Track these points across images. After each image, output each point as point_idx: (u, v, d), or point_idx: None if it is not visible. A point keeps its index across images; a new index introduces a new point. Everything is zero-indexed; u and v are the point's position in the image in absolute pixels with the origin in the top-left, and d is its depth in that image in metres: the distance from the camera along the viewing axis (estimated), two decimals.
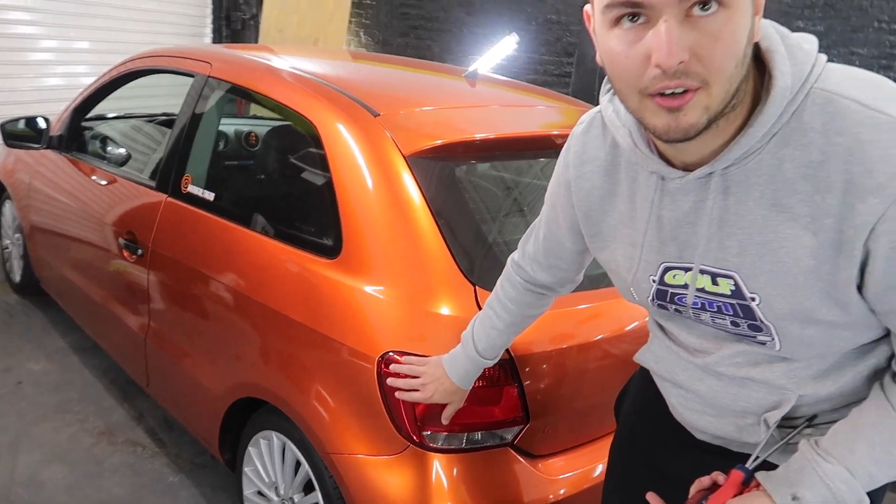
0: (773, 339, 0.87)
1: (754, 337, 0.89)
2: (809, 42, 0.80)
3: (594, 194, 1.00)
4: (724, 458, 1.01)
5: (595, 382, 1.63)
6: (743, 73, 0.74)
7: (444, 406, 1.38)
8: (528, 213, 1.82)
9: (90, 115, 3.04)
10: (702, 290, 0.89)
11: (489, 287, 1.43)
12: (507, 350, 1.44)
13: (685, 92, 0.72)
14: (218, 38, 6.10)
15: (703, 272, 0.88)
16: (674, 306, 0.95)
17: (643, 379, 1.21)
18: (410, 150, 1.61)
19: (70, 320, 3.05)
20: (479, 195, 1.77)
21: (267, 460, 1.86)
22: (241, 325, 1.84)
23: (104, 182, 2.56)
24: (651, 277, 0.94)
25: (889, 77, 3.46)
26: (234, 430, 1.97)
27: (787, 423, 0.95)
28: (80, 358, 3.10)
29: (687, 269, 0.89)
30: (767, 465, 0.94)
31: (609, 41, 0.75)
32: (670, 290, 0.93)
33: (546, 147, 1.90)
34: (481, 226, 1.69)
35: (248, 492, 1.97)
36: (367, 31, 5.89)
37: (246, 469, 1.95)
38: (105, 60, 4.53)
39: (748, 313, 0.86)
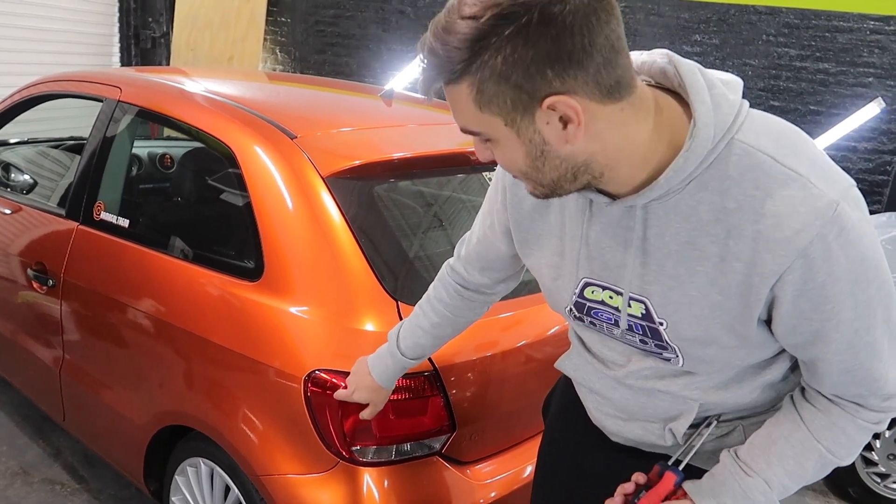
0: (676, 357, 0.95)
1: (660, 354, 0.97)
2: (735, 91, 0.83)
3: (527, 202, 1.04)
4: (636, 457, 1.09)
5: (519, 387, 1.70)
6: (555, 170, 0.82)
7: (370, 418, 1.39)
8: (449, 227, 1.88)
9: None
10: (616, 308, 0.95)
11: (412, 302, 1.47)
12: (431, 361, 1.48)
13: None
14: (127, 57, 5.91)
15: (618, 293, 0.94)
16: (589, 319, 1.02)
17: (567, 383, 1.28)
18: (329, 170, 1.64)
19: None
20: (398, 212, 1.82)
21: (195, 488, 1.83)
22: (163, 353, 1.81)
23: (8, 211, 2.46)
24: (573, 289, 1.00)
25: (777, 84, 3.71)
26: (160, 459, 1.93)
27: (691, 424, 1.03)
28: None
29: (604, 288, 0.96)
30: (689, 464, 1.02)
31: None
32: (588, 303, 0.99)
33: (463, 164, 1.96)
34: (402, 242, 1.73)
35: None
36: (283, 48, 5.86)
37: (173, 499, 1.91)
38: (7, 83, 4.32)
39: (655, 335, 0.94)
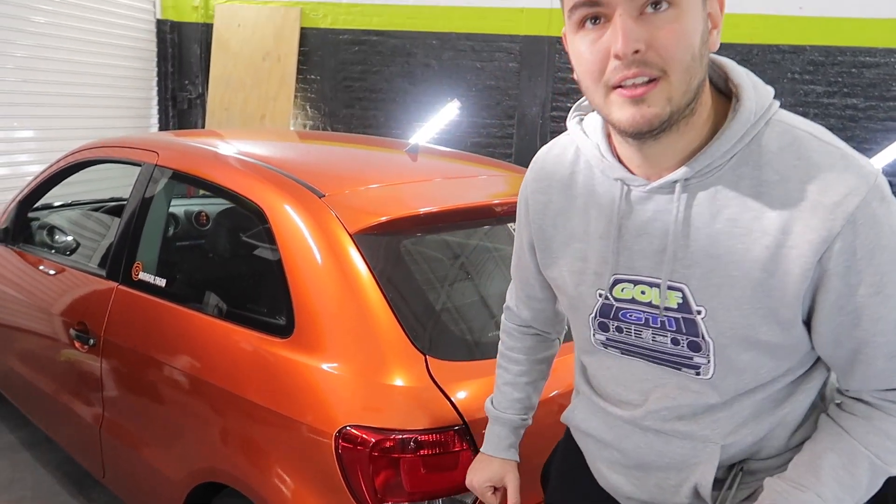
0: (708, 363, 0.90)
1: (691, 359, 0.92)
2: (767, 86, 0.91)
3: (550, 209, 1.04)
4: None
5: (551, 438, 1.68)
6: (701, 72, 0.83)
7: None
8: (475, 279, 1.90)
9: (36, 204, 3.04)
10: (648, 304, 0.92)
11: (439, 356, 1.48)
12: (460, 415, 1.48)
13: (647, 82, 0.79)
14: (164, 118, 6.15)
15: (652, 285, 0.91)
16: (616, 323, 0.97)
17: (567, 447, 1.23)
18: (356, 227, 1.68)
19: (19, 415, 2.97)
20: (426, 266, 1.84)
21: None
22: (198, 410, 1.84)
23: (52, 272, 2.55)
24: (598, 292, 0.97)
25: None
26: None
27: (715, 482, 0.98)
28: (31, 454, 3.00)
29: (636, 283, 0.93)
30: None
31: (576, 44, 0.84)
32: (616, 304, 0.96)
33: (489, 216, 1.99)
34: (429, 296, 1.76)
35: None
36: (313, 104, 6.04)
37: None
38: (50, 148, 4.54)
39: (691, 328, 0.90)
